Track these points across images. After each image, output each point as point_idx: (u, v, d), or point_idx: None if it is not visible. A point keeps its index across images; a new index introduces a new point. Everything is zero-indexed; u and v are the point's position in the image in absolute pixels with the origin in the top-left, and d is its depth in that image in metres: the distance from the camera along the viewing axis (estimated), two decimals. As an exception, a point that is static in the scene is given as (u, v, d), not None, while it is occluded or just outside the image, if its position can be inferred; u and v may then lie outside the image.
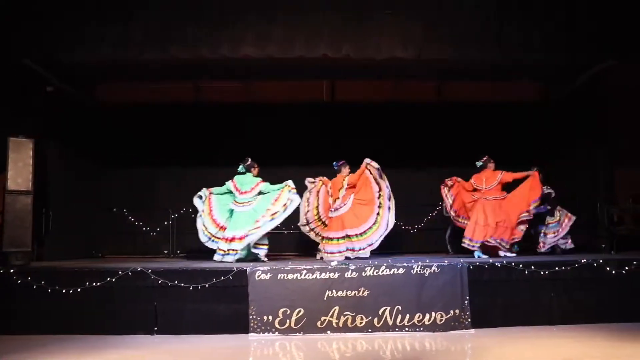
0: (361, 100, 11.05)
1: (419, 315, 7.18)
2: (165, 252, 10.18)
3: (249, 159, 8.86)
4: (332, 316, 7.13)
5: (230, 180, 8.76)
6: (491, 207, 8.89)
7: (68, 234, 8.75)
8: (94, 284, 7.23)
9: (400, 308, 7.18)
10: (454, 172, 9.89)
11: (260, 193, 8.63)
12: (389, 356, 6.29)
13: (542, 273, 7.46)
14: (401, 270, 7.32)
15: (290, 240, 10.62)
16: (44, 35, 7.92)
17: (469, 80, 10.39)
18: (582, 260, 7.57)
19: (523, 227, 9.00)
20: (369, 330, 7.11)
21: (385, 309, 7.16)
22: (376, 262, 7.52)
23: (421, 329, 7.14)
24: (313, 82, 10.93)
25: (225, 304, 7.28)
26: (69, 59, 8.26)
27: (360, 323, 7.13)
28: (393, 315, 7.16)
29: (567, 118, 10.49)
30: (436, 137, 11.08)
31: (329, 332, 7.09)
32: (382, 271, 7.32)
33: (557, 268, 7.47)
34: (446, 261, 7.54)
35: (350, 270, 7.31)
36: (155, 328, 7.21)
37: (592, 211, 9.61)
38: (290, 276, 7.25)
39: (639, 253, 8.27)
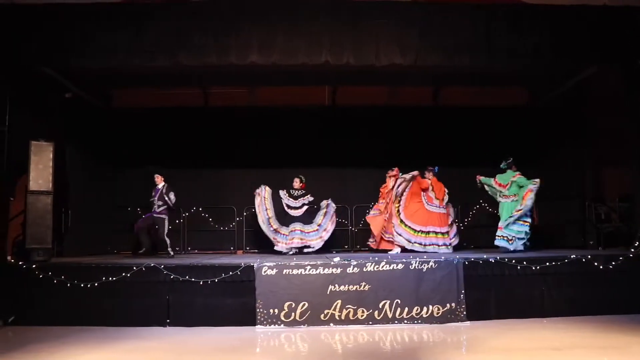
0: (361, 105, 11.25)
1: (417, 309, 7.43)
2: (177, 249, 10.49)
3: (511, 158, 9.57)
4: (334, 309, 7.39)
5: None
6: None
7: (85, 231, 9.01)
8: (110, 278, 7.56)
9: (399, 302, 7.43)
10: (450, 172, 10.18)
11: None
12: (388, 347, 6.48)
13: (533, 268, 7.69)
14: (400, 266, 7.57)
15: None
16: (60, 44, 8.16)
17: (462, 86, 10.57)
18: (572, 256, 7.82)
19: None
20: (370, 323, 7.36)
21: (385, 303, 7.41)
22: (377, 258, 7.75)
23: (419, 321, 7.39)
24: (315, 87, 11.15)
25: (233, 298, 7.57)
26: (84, 66, 8.49)
27: (362, 316, 7.38)
28: (393, 309, 7.41)
29: (555, 121, 10.71)
30: (432, 140, 11.26)
31: (332, 324, 7.35)
32: (382, 267, 7.56)
33: (547, 263, 7.70)
34: (443, 257, 7.78)
35: (351, 266, 7.55)
36: (168, 320, 7.51)
37: (580, 209, 9.84)
38: (295, 271, 7.50)
39: (625, 249, 8.47)
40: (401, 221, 9.42)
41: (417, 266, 7.58)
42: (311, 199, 9.83)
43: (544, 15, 8.17)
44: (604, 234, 9.47)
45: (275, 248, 9.54)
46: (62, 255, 9.32)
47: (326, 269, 7.54)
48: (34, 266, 7.70)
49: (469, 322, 7.41)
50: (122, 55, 8.18)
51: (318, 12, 8.17)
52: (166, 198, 9.39)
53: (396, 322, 7.39)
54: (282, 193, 9.78)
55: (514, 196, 9.38)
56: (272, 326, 7.32)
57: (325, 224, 9.69)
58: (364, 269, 7.54)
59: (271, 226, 9.58)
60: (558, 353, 5.81)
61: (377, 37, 8.11)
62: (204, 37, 8.15)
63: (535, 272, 7.70)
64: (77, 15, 8.16)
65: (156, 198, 9.43)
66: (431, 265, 7.59)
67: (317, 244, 9.54)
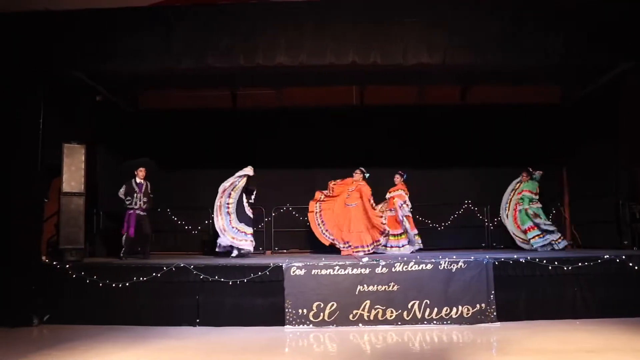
0: (389, 104, 11.19)
1: (447, 309, 7.40)
2: (206, 249, 10.61)
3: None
4: (363, 310, 7.40)
5: None
6: None
7: (116, 232, 9.15)
8: (141, 278, 7.70)
9: (428, 302, 7.41)
10: (480, 172, 10.10)
11: None
12: (418, 348, 6.47)
13: (565, 269, 7.59)
14: (429, 266, 7.55)
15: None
16: (91, 48, 8.25)
17: (491, 84, 10.43)
18: (605, 256, 7.68)
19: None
20: (399, 323, 7.36)
21: (414, 303, 7.40)
22: (405, 258, 7.74)
23: (448, 322, 7.37)
24: (343, 87, 11.10)
25: (262, 298, 7.63)
26: (113, 70, 8.62)
27: (391, 316, 7.39)
28: (422, 309, 7.39)
29: (587, 118, 10.52)
30: (461, 139, 11.18)
31: (360, 324, 7.36)
32: (411, 267, 7.55)
33: (580, 264, 7.59)
34: (472, 257, 7.72)
35: (380, 266, 7.55)
36: (198, 320, 7.61)
37: (614, 209, 9.62)
38: (323, 272, 7.53)
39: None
40: None
41: (446, 266, 7.56)
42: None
43: (575, 9, 8.00)
44: (638, 233, 9.24)
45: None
46: (94, 256, 9.50)
47: (355, 269, 7.55)
48: (67, 266, 7.88)
49: (499, 322, 7.36)
50: (150, 58, 8.26)
51: (345, 12, 8.14)
52: (151, 195, 9.22)
53: (425, 322, 7.37)
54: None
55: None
56: (301, 326, 7.36)
57: None
58: (393, 269, 7.54)
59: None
60: (592, 356, 5.73)
61: (405, 36, 8.04)
62: (232, 39, 8.18)
63: (568, 272, 7.61)
64: (106, 20, 8.27)
65: (141, 194, 9.08)
66: (460, 266, 7.56)
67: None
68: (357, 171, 9.70)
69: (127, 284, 7.69)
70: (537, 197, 9.97)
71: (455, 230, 10.99)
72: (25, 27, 8.21)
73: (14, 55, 8.18)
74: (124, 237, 8.95)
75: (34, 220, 8.16)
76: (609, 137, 9.99)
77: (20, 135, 8.19)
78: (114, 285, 7.69)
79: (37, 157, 8.18)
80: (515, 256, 7.87)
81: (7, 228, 7.92)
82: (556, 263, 7.61)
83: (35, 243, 8.11)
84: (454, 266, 7.55)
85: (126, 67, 8.42)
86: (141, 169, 9.19)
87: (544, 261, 7.65)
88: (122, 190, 9.09)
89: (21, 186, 8.06)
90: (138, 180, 9.14)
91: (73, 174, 8.44)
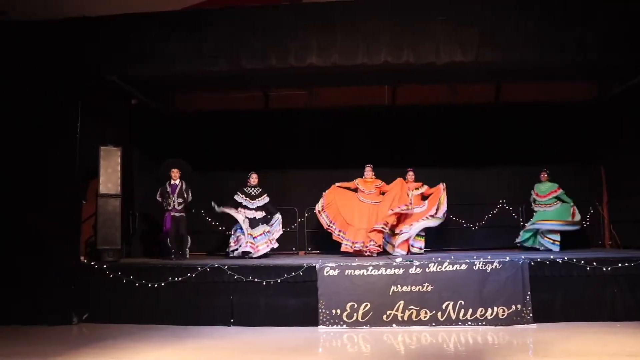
0: (422, 104, 11.10)
1: (482, 310, 7.34)
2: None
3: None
4: (397, 310, 7.38)
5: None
6: None
7: (151, 233, 9.29)
8: (176, 278, 7.82)
9: (463, 303, 7.36)
10: (514, 171, 9.96)
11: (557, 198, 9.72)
12: (452, 349, 6.41)
13: (604, 269, 7.44)
14: (463, 267, 7.49)
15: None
16: (125, 52, 8.39)
17: (525, 82, 10.26)
18: (646, 257, 7.48)
19: None
20: (433, 324, 7.32)
21: (449, 304, 7.35)
22: (439, 259, 7.68)
23: (484, 323, 7.30)
24: (375, 87, 11.05)
25: (295, 298, 7.67)
26: (148, 74, 8.74)
27: (425, 317, 7.35)
28: (456, 310, 7.35)
29: (626, 114, 10.22)
30: (495, 137, 11.02)
31: (394, 325, 7.34)
32: (445, 267, 7.50)
33: (620, 264, 7.43)
34: (507, 257, 7.63)
35: (414, 267, 7.52)
36: (232, 320, 7.69)
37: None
38: (357, 272, 7.53)
39: None
40: None
41: (481, 267, 7.50)
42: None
43: (613, 3, 7.81)
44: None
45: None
46: (130, 256, 9.65)
47: (388, 270, 7.54)
48: (104, 266, 8.06)
49: (535, 324, 7.28)
50: (184, 61, 8.33)
51: (376, 12, 8.11)
52: (186, 195, 9.24)
53: (460, 323, 7.32)
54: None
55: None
56: (335, 327, 7.37)
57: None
58: (427, 270, 7.51)
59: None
60: None
61: (437, 35, 7.97)
62: (263, 41, 8.21)
63: (607, 273, 7.46)
64: (139, 24, 8.39)
65: (175, 195, 9.15)
66: (495, 266, 7.49)
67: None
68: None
69: (163, 284, 7.82)
70: (541, 198, 9.93)
71: (490, 230, 10.82)
72: (62, 34, 8.40)
73: (53, 61, 8.38)
74: (168, 238, 9.06)
75: (73, 221, 8.35)
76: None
77: (59, 139, 8.39)
78: (149, 285, 7.83)
79: (74, 159, 8.36)
80: (551, 256, 7.75)
81: (47, 229, 8.10)
82: (595, 264, 7.47)
83: (74, 244, 8.30)
84: (488, 266, 7.48)
85: (159, 70, 8.52)
86: (174, 170, 9.25)
87: (582, 262, 7.50)
88: (158, 194, 9.23)
89: (60, 188, 8.25)
90: (172, 181, 9.23)
91: (109, 176, 8.61)
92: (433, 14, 7.99)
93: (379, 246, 9.13)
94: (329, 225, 9.38)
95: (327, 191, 9.59)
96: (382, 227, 9.13)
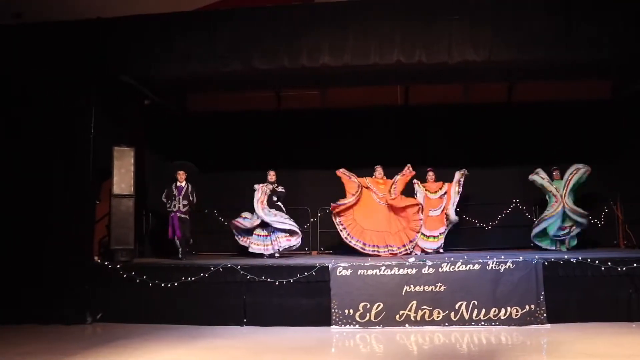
0: (434, 103, 11.07)
1: (495, 310, 7.30)
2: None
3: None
4: (410, 310, 7.36)
5: None
6: None
7: (164, 233, 9.33)
8: (189, 278, 7.86)
9: (476, 303, 7.32)
10: (528, 170, 9.88)
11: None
12: (465, 349, 6.39)
13: (619, 269, 7.37)
14: (477, 267, 7.47)
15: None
16: (139, 53, 8.47)
17: (538, 81, 10.18)
18: (662, 257, 7.40)
19: None
20: (446, 324, 7.30)
21: (462, 304, 7.33)
22: (452, 259, 7.65)
23: (497, 323, 7.27)
24: (387, 87, 11.02)
25: (308, 298, 7.68)
26: (162, 74, 8.77)
27: (438, 317, 7.33)
28: (469, 310, 7.32)
29: (638, 114, 10.14)
30: (508, 137, 10.95)
31: (407, 325, 7.33)
32: (458, 267, 7.47)
33: (635, 264, 7.36)
34: (521, 257, 7.59)
35: (427, 267, 7.49)
36: (245, 320, 7.71)
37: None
38: (369, 272, 7.53)
39: None
40: None
41: (494, 267, 7.47)
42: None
43: (628, 2, 7.73)
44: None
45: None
46: (143, 256, 9.68)
47: (401, 270, 7.53)
48: (118, 266, 8.12)
49: (549, 324, 7.23)
50: (197, 62, 8.38)
51: (388, 12, 8.12)
52: (191, 197, 9.19)
53: (473, 323, 7.30)
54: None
55: None
56: (347, 326, 7.37)
57: None
58: (440, 270, 7.48)
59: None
60: (649, 360, 5.55)
61: (449, 34, 7.96)
62: (276, 41, 8.24)
63: (622, 273, 7.40)
64: (154, 25, 8.46)
65: (180, 196, 9.12)
66: (509, 266, 7.46)
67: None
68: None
69: (176, 284, 7.86)
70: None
71: (503, 230, 10.75)
72: (77, 35, 8.51)
73: (67, 62, 8.46)
74: (178, 240, 9.06)
75: (87, 221, 8.42)
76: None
77: (73, 139, 8.46)
78: (162, 285, 7.87)
79: (89, 160, 8.41)
80: (565, 256, 7.71)
81: (61, 229, 8.18)
82: (609, 264, 7.41)
83: (88, 244, 8.36)
84: (502, 266, 7.45)
85: (175, 71, 8.58)
86: (180, 172, 9.25)
87: (596, 262, 7.46)
88: (163, 195, 9.24)
89: (74, 188, 8.33)
90: (178, 183, 9.23)
91: (123, 176, 8.66)
92: (446, 13, 7.98)
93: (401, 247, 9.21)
94: (346, 237, 9.37)
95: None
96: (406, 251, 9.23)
